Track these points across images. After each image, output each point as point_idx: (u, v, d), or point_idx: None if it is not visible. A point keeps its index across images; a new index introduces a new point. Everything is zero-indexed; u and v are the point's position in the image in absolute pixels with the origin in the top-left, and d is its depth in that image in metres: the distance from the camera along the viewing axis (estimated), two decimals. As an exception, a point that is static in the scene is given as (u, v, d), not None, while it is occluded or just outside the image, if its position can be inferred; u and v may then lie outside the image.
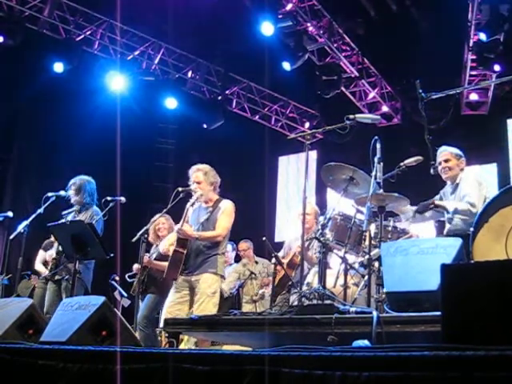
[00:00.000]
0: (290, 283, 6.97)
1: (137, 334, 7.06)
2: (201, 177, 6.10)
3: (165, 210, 6.61)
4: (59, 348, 3.11)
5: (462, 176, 5.92)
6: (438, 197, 6.12)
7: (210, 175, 6.15)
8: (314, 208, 7.32)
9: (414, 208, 5.95)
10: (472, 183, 5.80)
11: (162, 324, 6.00)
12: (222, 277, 6.08)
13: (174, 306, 5.90)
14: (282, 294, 7.08)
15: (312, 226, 7.00)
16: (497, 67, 9.16)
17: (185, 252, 5.91)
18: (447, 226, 5.88)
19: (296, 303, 4.79)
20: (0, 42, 9.31)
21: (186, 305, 5.93)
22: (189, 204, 6.03)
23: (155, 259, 7.31)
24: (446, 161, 5.91)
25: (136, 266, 7.34)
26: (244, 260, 9.42)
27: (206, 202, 6.16)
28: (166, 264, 7.23)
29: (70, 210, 6.94)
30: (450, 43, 10.05)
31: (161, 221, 7.50)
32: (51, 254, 7.03)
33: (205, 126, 11.81)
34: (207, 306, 5.70)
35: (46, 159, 12.25)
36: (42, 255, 8.16)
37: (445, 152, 5.95)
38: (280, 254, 7.44)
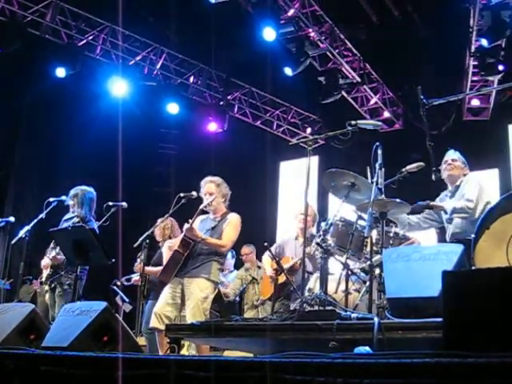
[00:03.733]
0: (289, 289, 6.98)
1: (143, 340, 7.06)
2: (213, 188, 6.11)
3: (167, 215, 6.62)
4: (62, 354, 3.11)
5: (464, 179, 5.95)
6: (437, 200, 6.13)
7: (222, 187, 6.18)
8: (314, 211, 7.34)
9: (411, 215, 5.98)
10: (474, 184, 5.84)
11: (151, 324, 5.87)
12: (216, 283, 6.03)
13: (164, 306, 5.85)
14: (279, 300, 7.07)
15: (309, 227, 7.05)
16: (500, 67, 9.12)
17: (185, 254, 5.88)
18: (449, 228, 5.89)
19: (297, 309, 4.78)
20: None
21: (176, 307, 5.90)
22: (202, 206, 6.00)
23: (154, 263, 7.31)
24: (454, 160, 6.03)
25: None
26: (246, 265, 9.41)
27: (215, 213, 6.18)
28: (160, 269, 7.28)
29: (71, 215, 6.96)
30: (451, 49, 10.06)
31: (168, 222, 7.53)
32: (46, 261, 7.02)
33: (212, 127, 11.84)
34: (198, 311, 5.69)
35: (48, 164, 12.27)
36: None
37: (454, 155, 6.09)
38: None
